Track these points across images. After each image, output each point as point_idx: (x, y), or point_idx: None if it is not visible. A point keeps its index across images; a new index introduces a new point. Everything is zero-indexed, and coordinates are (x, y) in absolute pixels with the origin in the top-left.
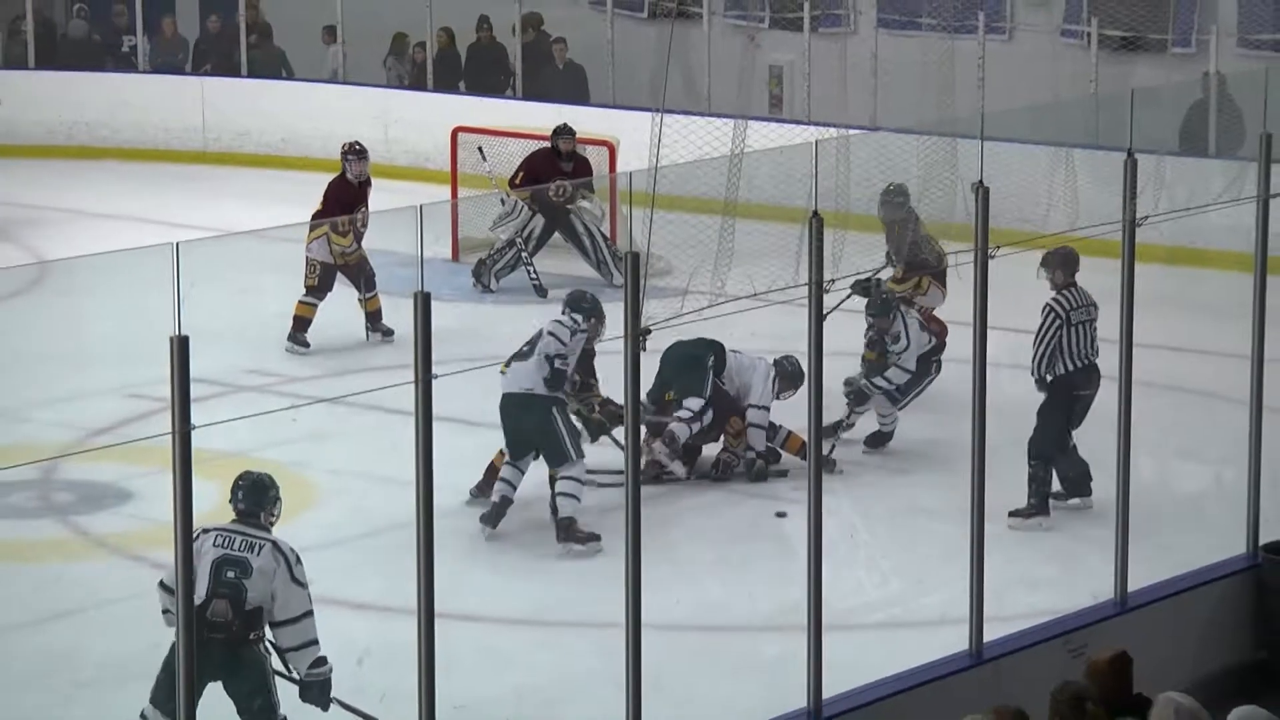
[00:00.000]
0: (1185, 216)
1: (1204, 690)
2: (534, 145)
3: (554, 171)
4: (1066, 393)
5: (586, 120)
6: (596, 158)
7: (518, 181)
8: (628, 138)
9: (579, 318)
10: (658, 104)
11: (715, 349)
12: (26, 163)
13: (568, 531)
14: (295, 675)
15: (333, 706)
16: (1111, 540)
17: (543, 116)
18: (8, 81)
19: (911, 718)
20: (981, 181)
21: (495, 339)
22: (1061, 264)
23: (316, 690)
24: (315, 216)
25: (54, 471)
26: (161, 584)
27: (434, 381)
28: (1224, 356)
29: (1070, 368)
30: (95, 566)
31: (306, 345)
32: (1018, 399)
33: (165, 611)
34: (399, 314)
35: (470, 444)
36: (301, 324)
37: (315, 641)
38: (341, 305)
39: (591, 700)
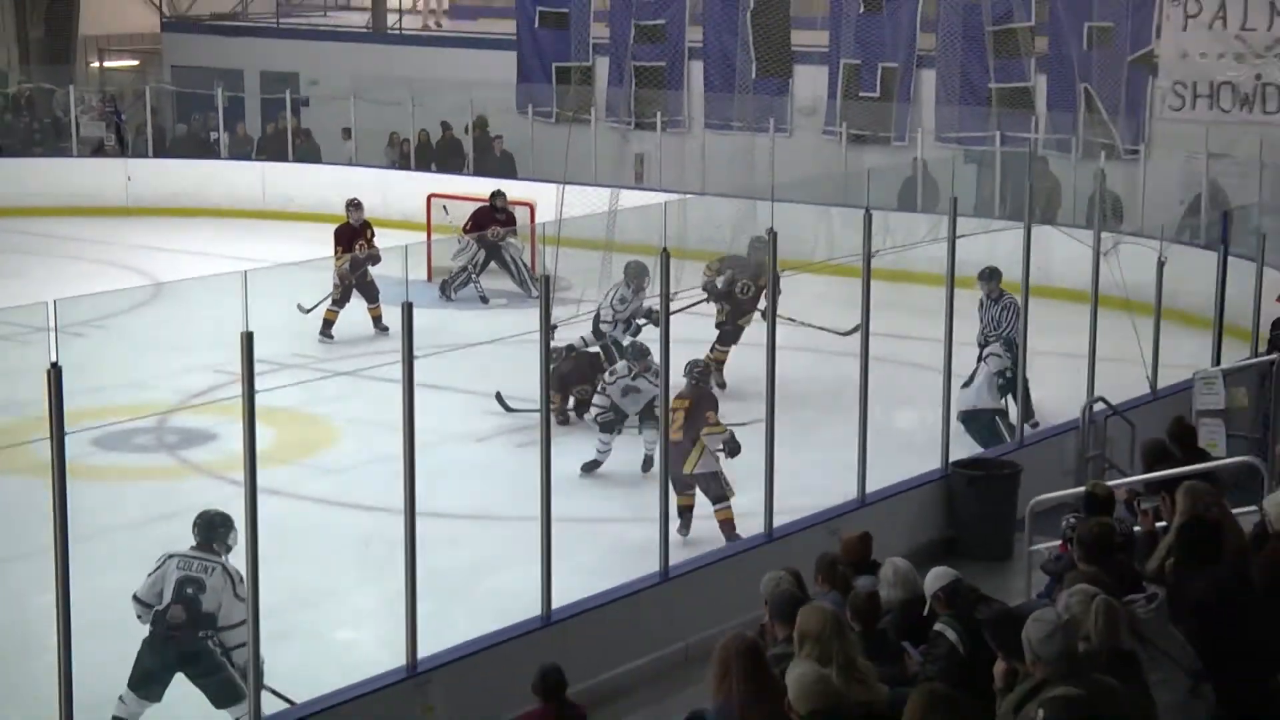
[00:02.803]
0: (902, 250)
1: (914, 555)
2: (480, 205)
3: (491, 221)
4: None
5: (515, 189)
6: (522, 214)
7: (467, 228)
8: (543, 200)
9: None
10: (561, 178)
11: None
12: (148, 219)
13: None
14: (235, 669)
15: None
16: (855, 459)
17: (486, 187)
18: (137, 165)
19: (731, 575)
20: (772, 228)
21: (455, 332)
22: None
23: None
24: (335, 252)
25: (165, 421)
26: (135, 597)
27: (415, 360)
28: (926, 340)
29: None
30: (192, 483)
31: (332, 338)
32: (794, 374)
33: (139, 616)
34: (393, 316)
35: (439, 402)
36: (328, 324)
37: None
38: (356, 312)
39: (518, 569)
